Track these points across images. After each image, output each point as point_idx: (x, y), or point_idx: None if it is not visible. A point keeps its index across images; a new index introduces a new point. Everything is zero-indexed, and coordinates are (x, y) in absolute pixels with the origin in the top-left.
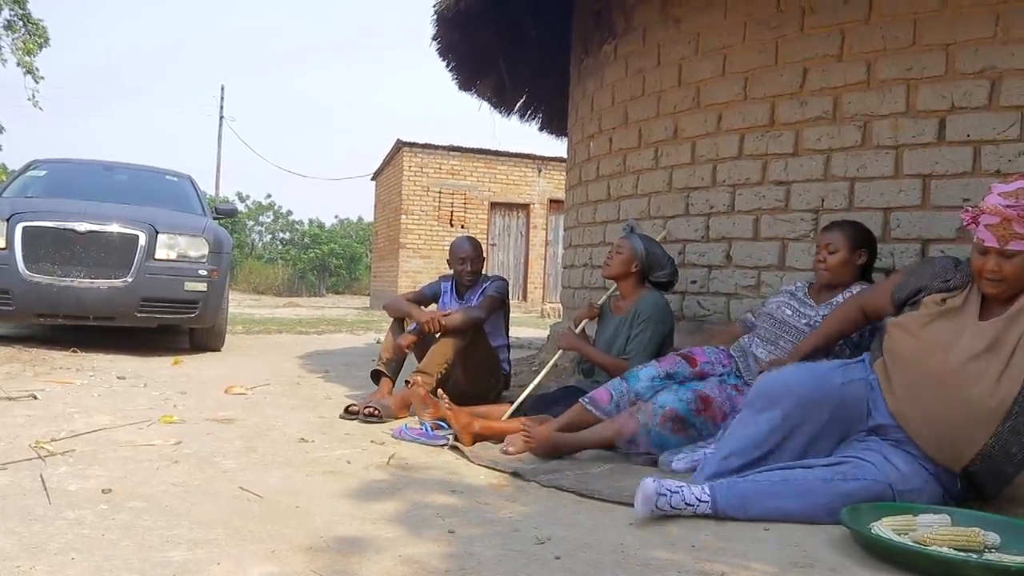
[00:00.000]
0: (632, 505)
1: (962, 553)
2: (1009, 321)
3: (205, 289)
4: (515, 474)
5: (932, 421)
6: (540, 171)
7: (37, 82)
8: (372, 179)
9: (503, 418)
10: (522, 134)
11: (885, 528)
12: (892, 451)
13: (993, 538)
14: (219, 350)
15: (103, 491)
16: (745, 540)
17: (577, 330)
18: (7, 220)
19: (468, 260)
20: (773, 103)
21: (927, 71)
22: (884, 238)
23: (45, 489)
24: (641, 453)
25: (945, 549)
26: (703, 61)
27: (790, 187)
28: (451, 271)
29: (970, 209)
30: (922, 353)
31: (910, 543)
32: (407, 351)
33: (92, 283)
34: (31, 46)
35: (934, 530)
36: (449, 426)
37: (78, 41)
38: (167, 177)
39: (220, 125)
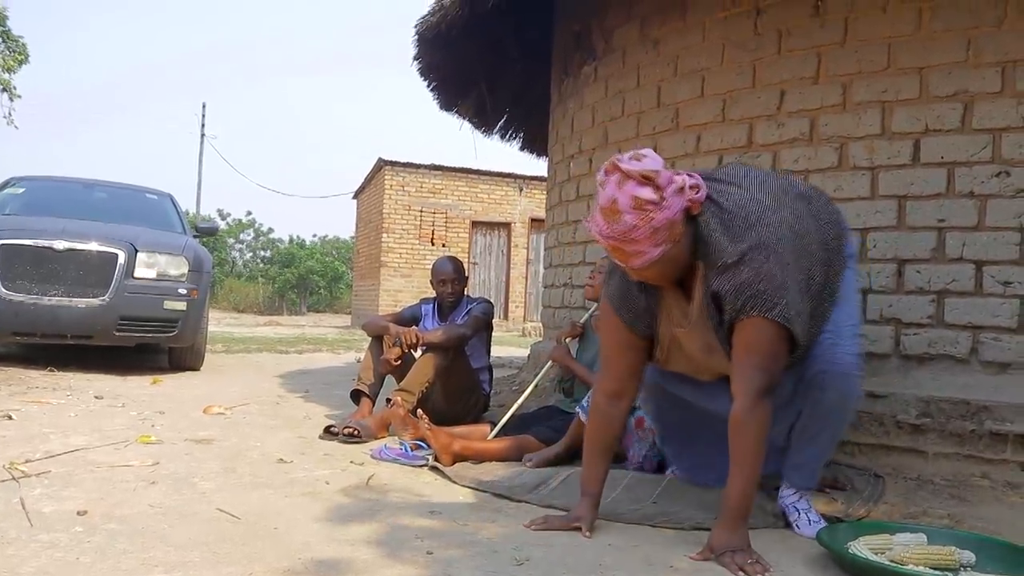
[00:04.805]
0: (614, 520)
1: (938, 572)
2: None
3: (184, 308)
4: (496, 494)
5: None
6: (521, 190)
7: (13, 100)
8: (353, 197)
9: (488, 438)
10: (503, 153)
11: (862, 547)
12: None
13: (968, 556)
14: (198, 369)
15: (78, 513)
16: None
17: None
18: None
19: (449, 282)
20: (751, 124)
21: (902, 94)
22: (861, 258)
23: (25, 510)
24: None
25: (921, 568)
26: (682, 82)
27: None
28: (433, 293)
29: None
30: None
31: (887, 562)
32: (394, 364)
33: (70, 301)
34: (11, 63)
35: (910, 549)
36: (429, 446)
37: (59, 60)
38: (147, 195)
39: (201, 143)
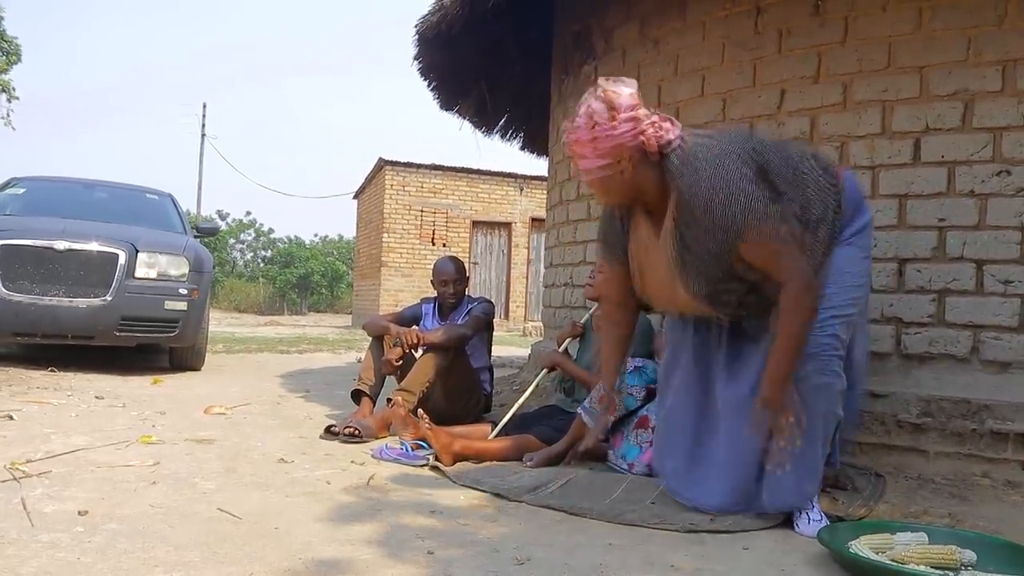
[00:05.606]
0: (611, 521)
1: (939, 571)
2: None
3: (185, 308)
4: (496, 494)
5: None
6: (522, 190)
7: (11, 101)
8: (354, 197)
9: (488, 438)
10: (504, 153)
11: (863, 546)
12: None
13: (969, 556)
14: (199, 369)
15: (79, 513)
16: (724, 559)
17: (560, 349)
18: None
19: (451, 283)
20: (751, 124)
21: (902, 93)
22: None
23: (26, 510)
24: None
25: (923, 567)
26: (682, 82)
27: None
28: (433, 292)
29: None
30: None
31: (888, 561)
32: (395, 365)
33: (71, 302)
34: (3, 64)
35: (911, 548)
36: (429, 446)
37: (60, 62)
38: (148, 195)
39: (202, 143)
